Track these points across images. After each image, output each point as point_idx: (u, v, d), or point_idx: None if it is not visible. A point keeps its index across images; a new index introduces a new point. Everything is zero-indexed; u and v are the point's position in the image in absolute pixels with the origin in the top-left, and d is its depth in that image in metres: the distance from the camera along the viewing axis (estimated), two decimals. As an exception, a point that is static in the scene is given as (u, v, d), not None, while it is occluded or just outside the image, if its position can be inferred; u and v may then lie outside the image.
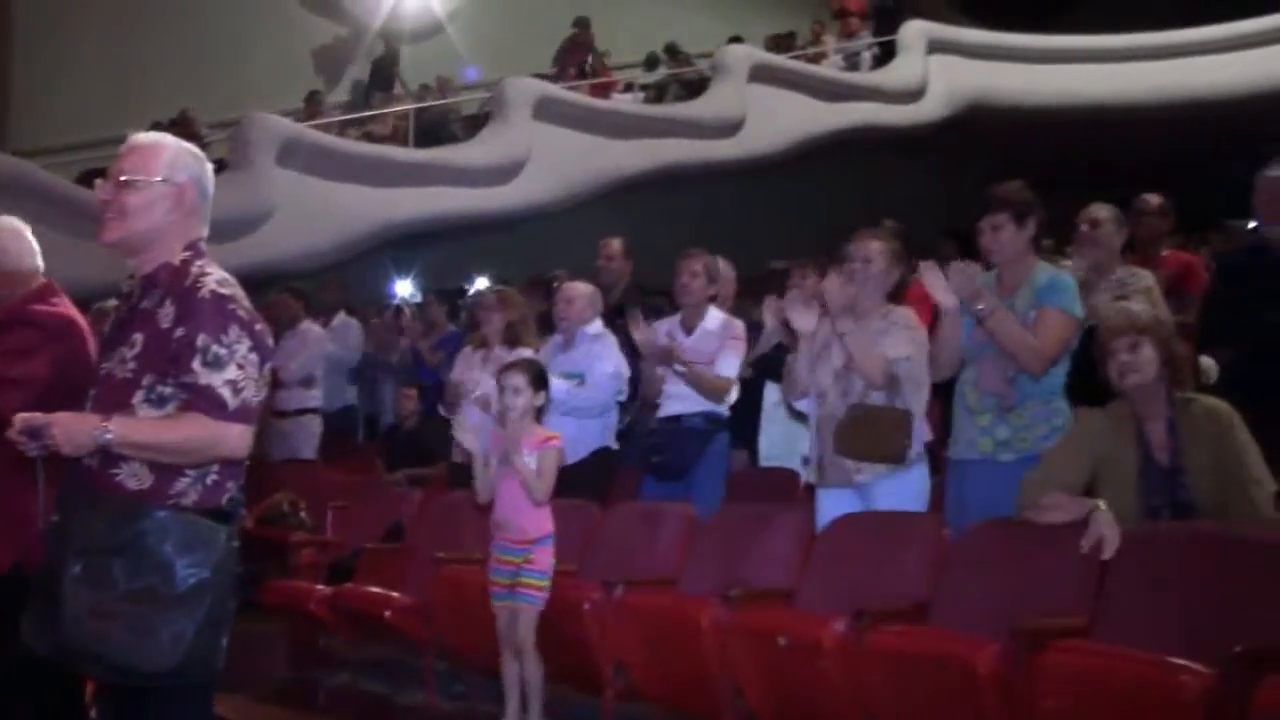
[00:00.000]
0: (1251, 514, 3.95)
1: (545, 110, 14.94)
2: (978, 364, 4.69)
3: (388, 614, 5.89)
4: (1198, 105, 18.35)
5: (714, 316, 6.28)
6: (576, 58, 17.35)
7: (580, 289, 6.76)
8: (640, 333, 6.12)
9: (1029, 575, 4.19)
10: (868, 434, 4.82)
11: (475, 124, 15.50)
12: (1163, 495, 4.12)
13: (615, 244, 7.78)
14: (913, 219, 9.12)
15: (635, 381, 6.61)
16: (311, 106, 15.40)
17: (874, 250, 5.09)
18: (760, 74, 16.81)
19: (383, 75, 17.00)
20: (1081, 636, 3.86)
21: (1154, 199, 6.65)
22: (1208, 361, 5.36)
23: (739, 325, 6.28)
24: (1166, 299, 5.83)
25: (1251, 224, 6.10)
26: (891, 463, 4.86)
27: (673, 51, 17.69)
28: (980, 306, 4.51)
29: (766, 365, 6.43)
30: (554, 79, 16.41)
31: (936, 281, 4.65)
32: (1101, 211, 5.49)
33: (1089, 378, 4.49)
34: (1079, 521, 4.08)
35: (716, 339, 6.18)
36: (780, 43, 18.51)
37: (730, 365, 6.15)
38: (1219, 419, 4.08)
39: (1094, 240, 5.46)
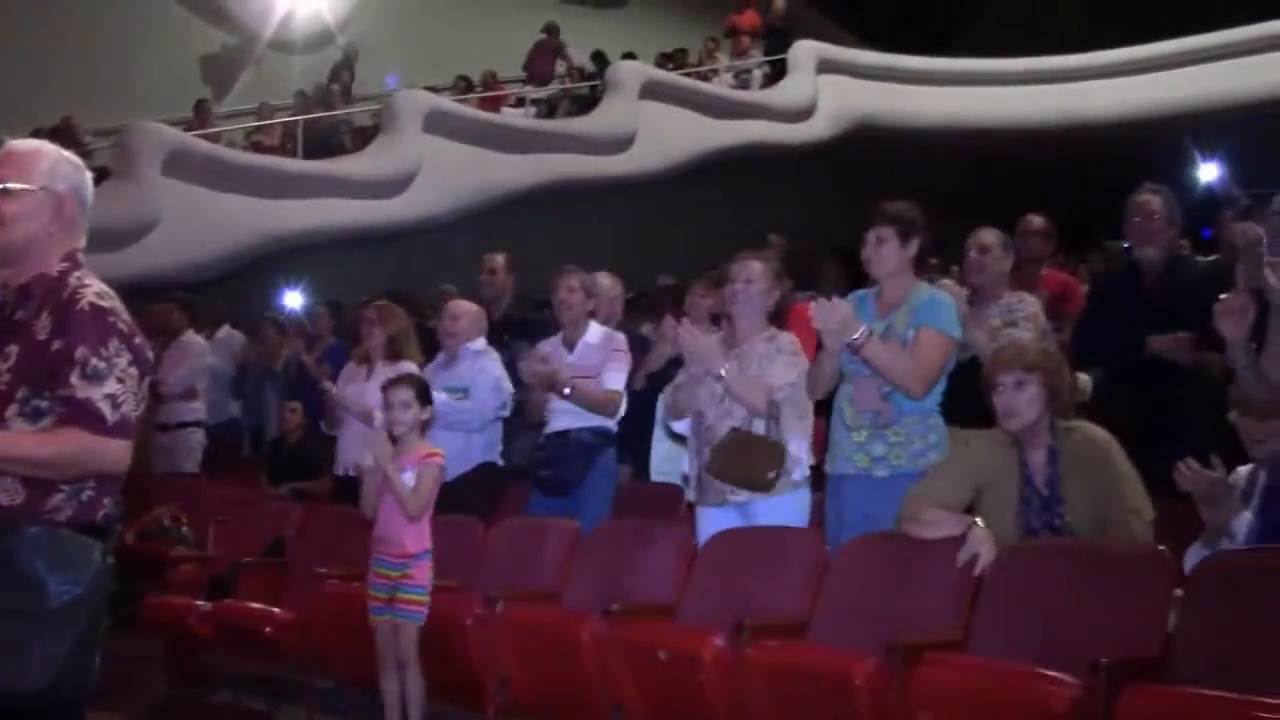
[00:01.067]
0: (1129, 542, 4.03)
1: (435, 123, 14.90)
2: (854, 381, 4.72)
3: (268, 630, 5.84)
4: (1085, 128, 18.76)
5: (594, 331, 6.32)
6: (543, 61, 17.51)
7: (465, 307, 6.80)
8: (528, 366, 6.15)
9: (906, 590, 4.26)
10: (740, 460, 4.85)
11: (365, 136, 15.43)
12: (1041, 521, 4.19)
13: (498, 259, 7.80)
14: (802, 237, 9.24)
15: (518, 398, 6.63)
16: (200, 115, 15.21)
17: (755, 270, 5.11)
18: (651, 90, 16.89)
19: (340, 80, 16.91)
20: (956, 650, 3.95)
21: (1037, 220, 6.76)
22: (1084, 379, 5.48)
23: (620, 338, 6.33)
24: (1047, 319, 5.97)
25: (1126, 245, 6.25)
26: (758, 491, 4.89)
27: (600, 60, 17.73)
28: (854, 338, 4.51)
29: (659, 382, 6.46)
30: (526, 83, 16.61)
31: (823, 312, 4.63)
32: (990, 237, 5.57)
33: (964, 396, 4.59)
34: (956, 537, 4.16)
35: (599, 353, 6.22)
36: (671, 59, 18.61)
37: (616, 378, 6.18)
38: (1099, 448, 4.17)
39: (982, 266, 5.55)
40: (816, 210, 15.38)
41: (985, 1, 23.19)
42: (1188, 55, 18.92)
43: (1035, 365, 4.17)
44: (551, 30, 17.63)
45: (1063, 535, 4.14)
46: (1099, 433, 4.24)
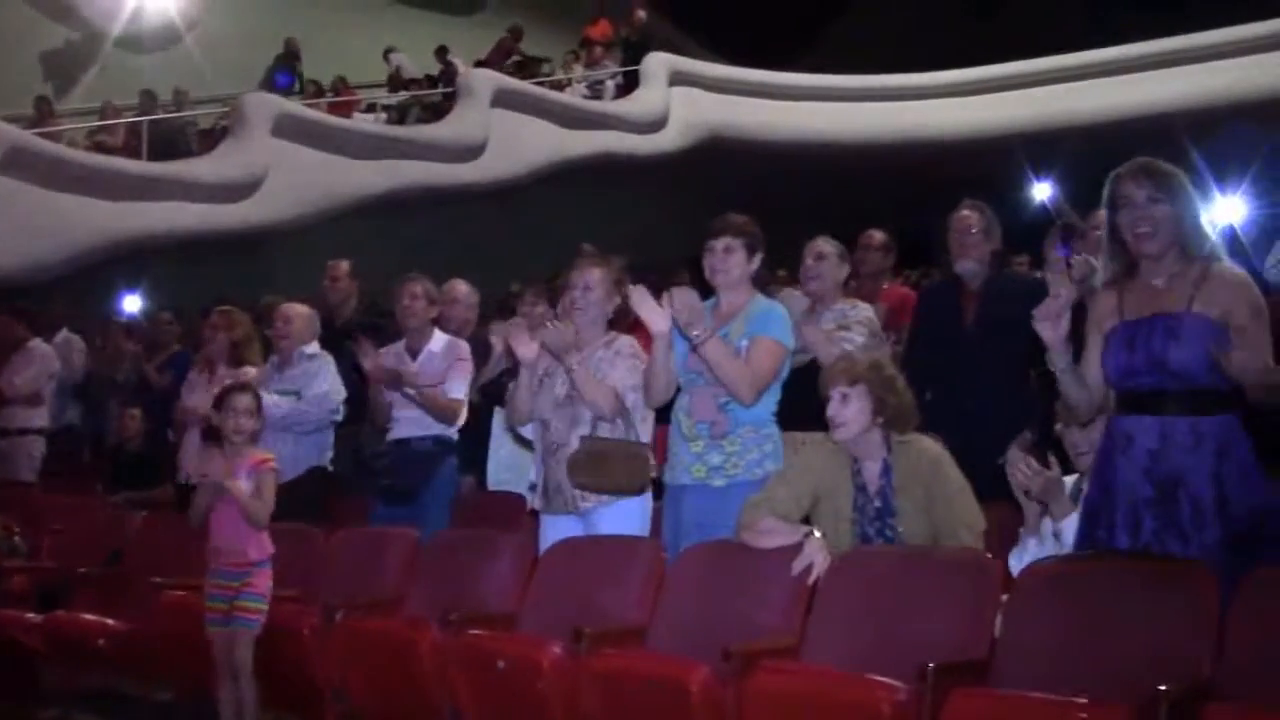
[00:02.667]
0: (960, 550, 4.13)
1: (284, 127, 14.72)
2: (691, 391, 4.77)
3: (101, 642, 5.72)
4: (927, 146, 19.18)
5: (438, 339, 6.33)
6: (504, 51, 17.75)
7: (297, 310, 6.76)
8: (368, 359, 6.12)
9: (743, 598, 4.31)
10: (604, 466, 4.87)
11: (212, 138, 15.20)
12: (874, 531, 4.28)
13: (342, 265, 7.80)
14: (654, 247, 9.31)
15: (357, 404, 6.60)
16: (40, 113, 14.85)
17: (594, 277, 5.15)
18: (504, 99, 16.87)
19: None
20: (791, 657, 4.01)
21: (878, 235, 6.87)
22: None
23: (464, 346, 6.33)
24: (885, 331, 6.10)
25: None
26: (630, 494, 4.93)
27: (444, 56, 17.70)
28: (696, 332, 4.56)
29: (495, 390, 6.48)
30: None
31: (647, 305, 4.67)
32: (826, 245, 5.67)
33: (801, 403, 4.69)
34: (792, 546, 4.23)
35: (442, 361, 6.22)
36: (524, 68, 18.65)
37: (458, 387, 6.19)
38: (932, 461, 4.26)
39: (818, 274, 5.65)
40: (665, 222, 15.52)
41: (836, 19, 23.65)
42: (1025, 77, 19.52)
43: (861, 378, 4.25)
44: (515, 31, 18.04)
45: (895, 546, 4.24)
46: (933, 446, 4.33)
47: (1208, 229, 3.86)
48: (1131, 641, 3.46)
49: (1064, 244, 6.16)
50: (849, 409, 4.25)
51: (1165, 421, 3.67)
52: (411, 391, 6.05)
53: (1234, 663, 3.32)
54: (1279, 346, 3.66)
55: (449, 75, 17.62)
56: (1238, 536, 3.60)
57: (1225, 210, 7.32)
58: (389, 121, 17.06)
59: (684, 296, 4.59)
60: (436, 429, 6.19)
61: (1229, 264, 3.80)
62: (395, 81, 18.03)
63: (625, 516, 4.98)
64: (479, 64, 17.94)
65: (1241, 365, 3.52)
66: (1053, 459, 4.09)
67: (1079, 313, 3.92)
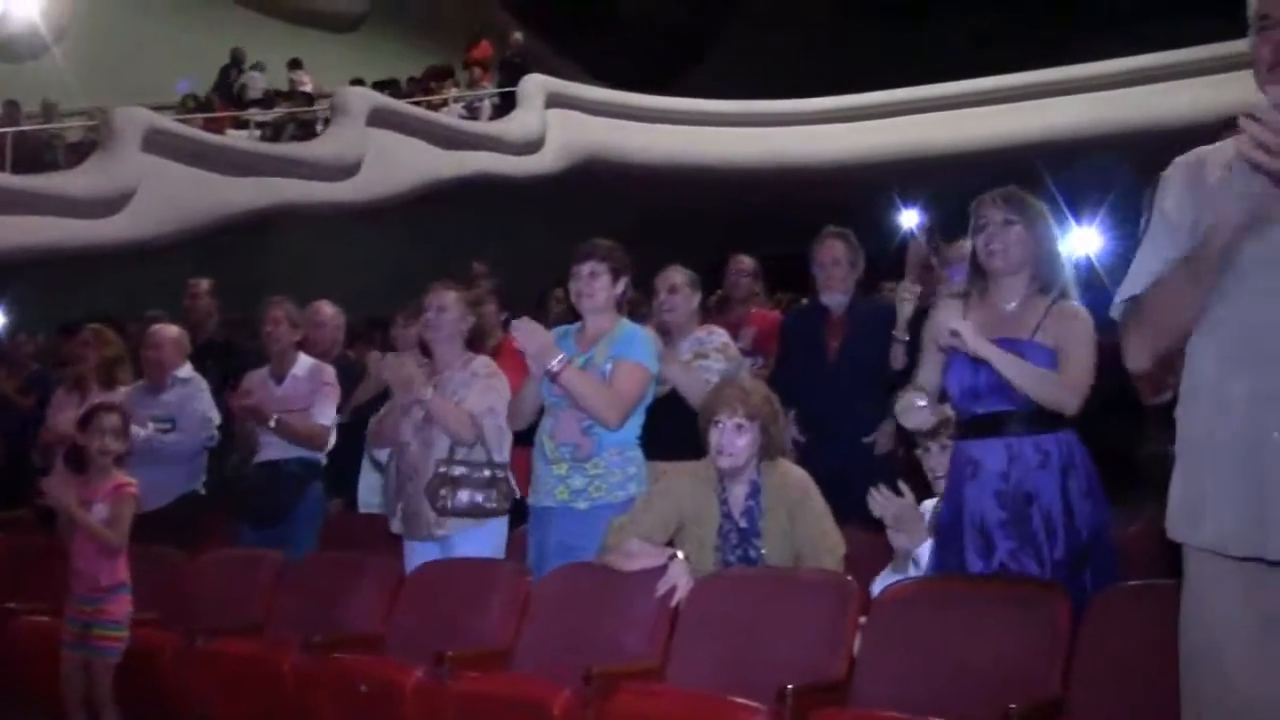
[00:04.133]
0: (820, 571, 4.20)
1: (155, 142, 14.51)
2: (555, 414, 4.79)
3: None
4: (799, 171, 19.43)
5: (303, 363, 6.30)
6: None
7: (166, 333, 6.68)
8: (234, 399, 6.10)
9: (606, 620, 4.32)
10: (454, 488, 4.91)
11: (80, 152, 14.93)
12: (737, 555, 4.33)
13: (202, 284, 7.75)
14: (530, 268, 9.30)
15: (227, 428, 6.54)
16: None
17: (449, 300, 5.20)
18: (380, 118, 16.80)
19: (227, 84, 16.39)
20: (654, 678, 4.05)
21: (747, 260, 6.95)
22: None
23: (329, 370, 6.31)
24: (754, 355, 6.18)
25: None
26: (490, 517, 4.98)
27: (296, 67, 17.57)
28: (551, 364, 4.60)
29: (367, 414, 6.45)
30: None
31: (524, 331, 4.68)
32: (678, 276, 5.71)
33: (663, 431, 4.75)
34: (656, 569, 4.26)
35: (307, 385, 6.20)
36: (400, 88, 18.62)
37: (324, 412, 6.17)
38: (798, 487, 4.33)
39: (672, 306, 5.70)
40: (542, 243, 15.52)
41: (717, 44, 23.88)
42: (896, 105, 19.91)
43: (757, 413, 4.31)
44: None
45: (756, 567, 4.30)
46: (798, 472, 4.40)
47: (1063, 263, 4.00)
48: (985, 661, 3.54)
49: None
50: (741, 439, 4.29)
51: (1011, 442, 3.79)
52: (272, 424, 6.03)
53: (1084, 680, 3.41)
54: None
55: (297, 91, 17.55)
56: (1077, 551, 3.73)
57: (1082, 241, 7.52)
58: (264, 139, 16.88)
59: (526, 329, 4.63)
60: (303, 451, 6.17)
61: (1074, 303, 3.94)
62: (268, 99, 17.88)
63: (482, 541, 5.02)
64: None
65: (999, 357, 3.67)
66: (904, 486, 4.18)
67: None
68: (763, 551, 4.30)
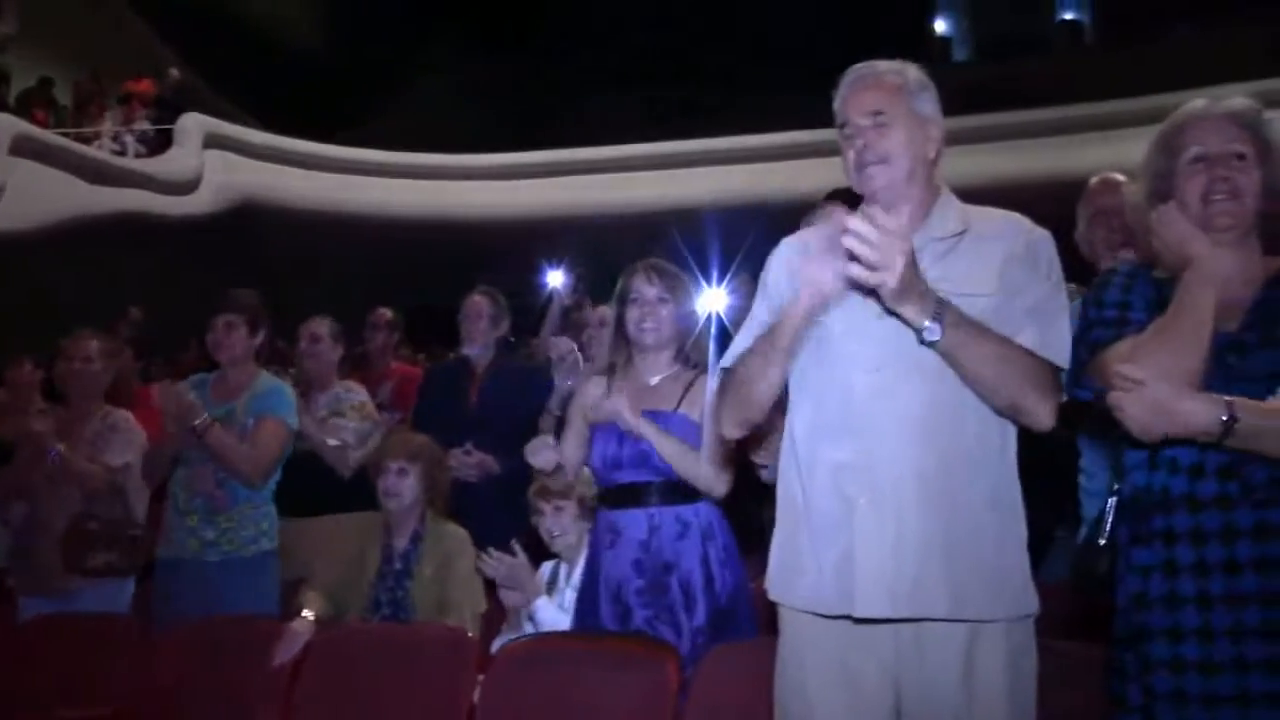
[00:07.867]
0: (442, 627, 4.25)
1: None
2: (190, 466, 4.74)
3: None
4: (465, 224, 19.65)
5: None
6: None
7: None
8: None
9: (233, 674, 4.22)
10: (84, 552, 4.79)
11: None
12: (389, 597, 4.39)
13: None
14: (189, 309, 9.00)
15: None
16: None
17: (93, 349, 5.10)
18: (22, 147, 15.92)
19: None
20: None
21: (385, 313, 6.91)
22: None
23: None
24: (391, 409, 6.16)
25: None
26: (123, 575, 4.88)
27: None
28: (196, 423, 4.59)
29: None
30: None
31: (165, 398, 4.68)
32: (320, 327, 5.69)
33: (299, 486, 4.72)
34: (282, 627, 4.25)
35: None
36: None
37: None
38: (456, 543, 4.46)
39: (314, 354, 5.68)
40: (198, 286, 15.07)
41: (390, 95, 23.84)
42: (551, 166, 20.47)
43: (418, 456, 4.49)
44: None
45: (403, 608, 4.35)
46: (459, 531, 4.53)
47: (703, 338, 4.13)
48: (596, 716, 3.64)
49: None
50: (405, 482, 4.46)
51: (652, 513, 3.89)
52: None
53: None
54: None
55: None
56: (719, 614, 3.84)
57: (713, 300, 7.82)
58: None
59: (170, 397, 4.61)
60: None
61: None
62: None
63: (109, 599, 4.88)
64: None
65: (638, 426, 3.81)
66: (517, 545, 4.26)
67: None
68: (413, 595, 4.37)
